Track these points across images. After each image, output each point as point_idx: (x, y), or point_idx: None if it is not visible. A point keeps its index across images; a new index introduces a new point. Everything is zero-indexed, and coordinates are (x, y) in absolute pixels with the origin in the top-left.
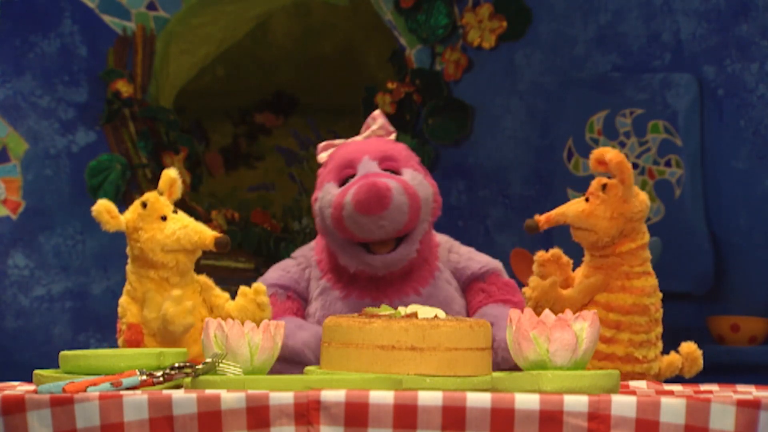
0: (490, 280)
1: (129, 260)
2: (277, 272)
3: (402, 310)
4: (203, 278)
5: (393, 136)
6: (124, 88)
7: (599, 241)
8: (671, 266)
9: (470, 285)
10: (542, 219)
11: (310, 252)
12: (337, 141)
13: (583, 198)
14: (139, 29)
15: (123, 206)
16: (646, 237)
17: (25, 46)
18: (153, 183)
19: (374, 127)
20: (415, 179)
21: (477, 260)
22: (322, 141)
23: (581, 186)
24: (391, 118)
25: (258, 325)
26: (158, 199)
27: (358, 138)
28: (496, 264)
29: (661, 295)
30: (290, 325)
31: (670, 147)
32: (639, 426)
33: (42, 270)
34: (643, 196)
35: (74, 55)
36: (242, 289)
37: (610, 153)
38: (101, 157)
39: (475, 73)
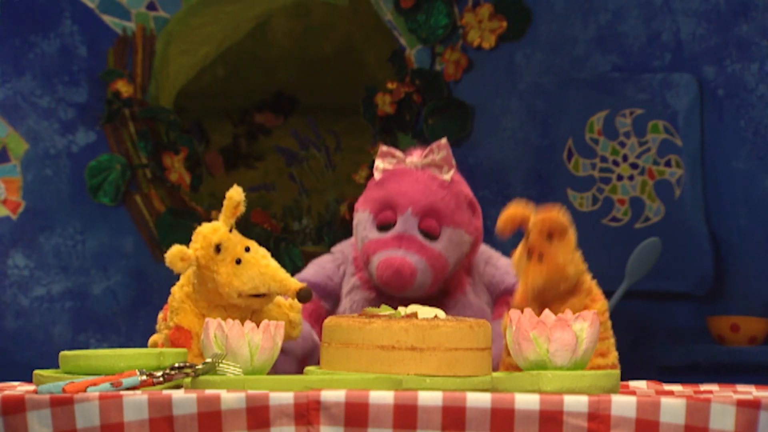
0: None
1: (196, 280)
2: (313, 268)
3: (402, 310)
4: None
5: (450, 173)
6: (124, 88)
7: (570, 284)
8: (671, 266)
9: (500, 297)
10: (524, 303)
11: (348, 248)
12: (398, 153)
13: (528, 258)
14: (139, 29)
15: (123, 206)
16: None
17: (25, 46)
18: (153, 183)
19: (436, 157)
20: (451, 242)
21: (513, 274)
22: (323, 141)
23: (581, 186)
24: (391, 118)
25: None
26: (231, 240)
27: (415, 160)
28: None
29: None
30: None
31: (670, 147)
32: (639, 426)
33: (42, 270)
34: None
35: (74, 55)
36: (278, 300)
37: (537, 214)
38: (101, 157)
39: (475, 73)
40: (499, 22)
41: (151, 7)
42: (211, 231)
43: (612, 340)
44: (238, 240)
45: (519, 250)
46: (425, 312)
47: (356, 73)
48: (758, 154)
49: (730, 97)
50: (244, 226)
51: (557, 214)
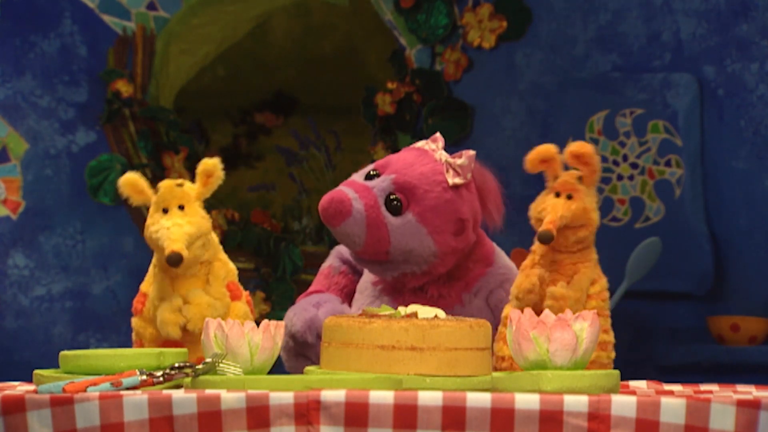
0: None
1: None
2: None
3: (402, 310)
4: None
5: (456, 180)
6: (124, 88)
7: (590, 236)
8: (671, 266)
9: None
10: (552, 228)
11: None
12: (441, 144)
13: (552, 195)
14: (139, 29)
15: (123, 206)
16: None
17: (25, 46)
18: (153, 183)
19: (457, 160)
20: (405, 227)
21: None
22: (323, 141)
23: None
24: (391, 118)
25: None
26: (170, 189)
27: (444, 154)
28: None
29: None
30: (307, 303)
31: (670, 147)
32: (639, 426)
33: (42, 270)
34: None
35: (74, 55)
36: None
37: (575, 146)
38: (101, 157)
39: (475, 73)
40: (499, 21)
41: (151, 7)
42: (165, 181)
43: (609, 328)
44: (177, 197)
45: (542, 195)
46: (425, 312)
47: (356, 73)
48: (758, 154)
49: (730, 97)
50: (244, 226)
51: (591, 154)
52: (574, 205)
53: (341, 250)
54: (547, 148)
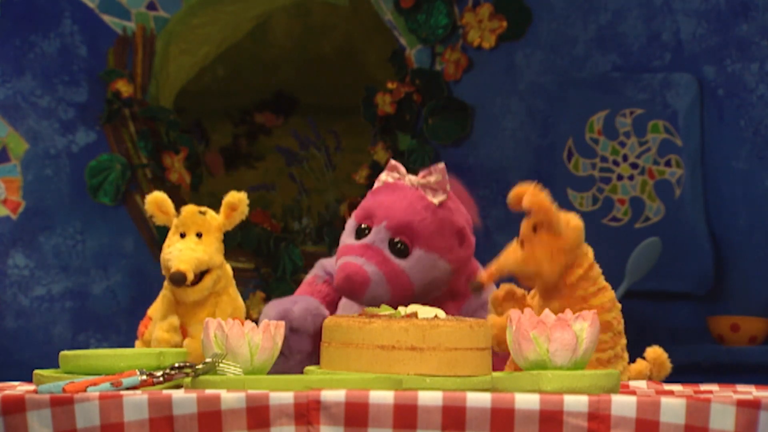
0: None
1: None
2: (337, 257)
3: (402, 310)
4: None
5: (441, 198)
6: (124, 88)
7: (548, 283)
8: (671, 266)
9: None
10: (485, 276)
11: None
12: (402, 170)
13: (517, 242)
14: (139, 29)
15: (123, 206)
16: (590, 255)
17: (25, 46)
18: (153, 183)
19: (431, 179)
20: (420, 263)
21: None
22: (323, 141)
23: (581, 186)
24: (391, 118)
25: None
26: (191, 215)
27: (413, 179)
28: None
29: (620, 306)
30: (283, 300)
31: (670, 147)
32: (639, 426)
33: (42, 270)
34: (574, 222)
35: (74, 55)
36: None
37: (526, 195)
38: (101, 157)
39: (475, 73)
40: (499, 21)
41: (151, 7)
42: (189, 206)
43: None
44: (201, 223)
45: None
46: (425, 312)
47: (356, 73)
48: (758, 153)
49: (730, 97)
50: (244, 225)
51: (546, 209)
52: (519, 255)
53: (325, 263)
54: (521, 192)
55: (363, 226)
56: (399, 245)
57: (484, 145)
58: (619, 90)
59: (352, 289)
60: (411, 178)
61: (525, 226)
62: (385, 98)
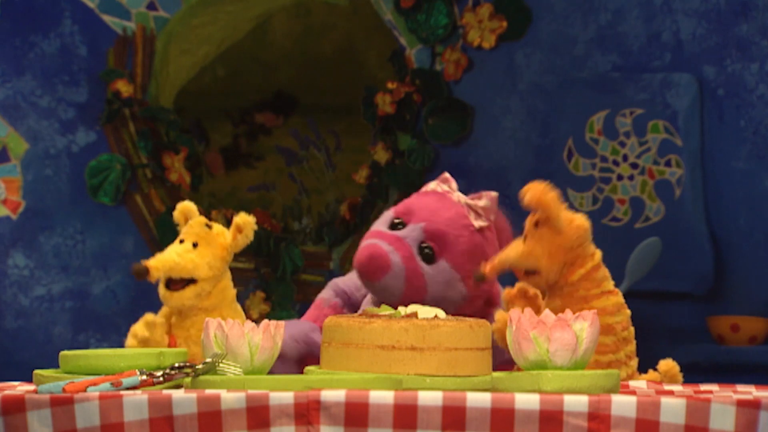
0: None
1: None
2: (349, 274)
3: (402, 310)
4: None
5: (482, 223)
6: (124, 88)
7: (547, 280)
8: (671, 266)
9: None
10: (488, 268)
11: None
12: (453, 185)
13: (522, 238)
14: (139, 29)
15: (123, 206)
16: (597, 257)
17: (25, 46)
18: (153, 183)
19: (479, 202)
20: (440, 275)
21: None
22: (323, 141)
23: (581, 186)
24: (391, 118)
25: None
26: (196, 225)
27: (462, 196)
28: None
29: (629, 312)
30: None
31: (670, 147)
32: (639, 426)
33: (42, 270)
34: (579, 221)
35: (74, 55)
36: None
37: (528, 192)
38: (101, 157)
39: (475, 73)
40: (499, 21)
41: (151, 7)
42: (199, 217)
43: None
44: (203, 236)
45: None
46: (425, 312)
47: (356, 73)
48: (758, 154)
49: (730, 97)
50: None
51: (546, 206)
52: (521, 249)
53: (338, 282)
54: (524, 191)
55: (399, 220)
56: (427, 249)
57: (484, 145)
58: (619, 90)
59: (370, 270)
60: (459, 195)
61: (528, 221)
62: (385, 98)
